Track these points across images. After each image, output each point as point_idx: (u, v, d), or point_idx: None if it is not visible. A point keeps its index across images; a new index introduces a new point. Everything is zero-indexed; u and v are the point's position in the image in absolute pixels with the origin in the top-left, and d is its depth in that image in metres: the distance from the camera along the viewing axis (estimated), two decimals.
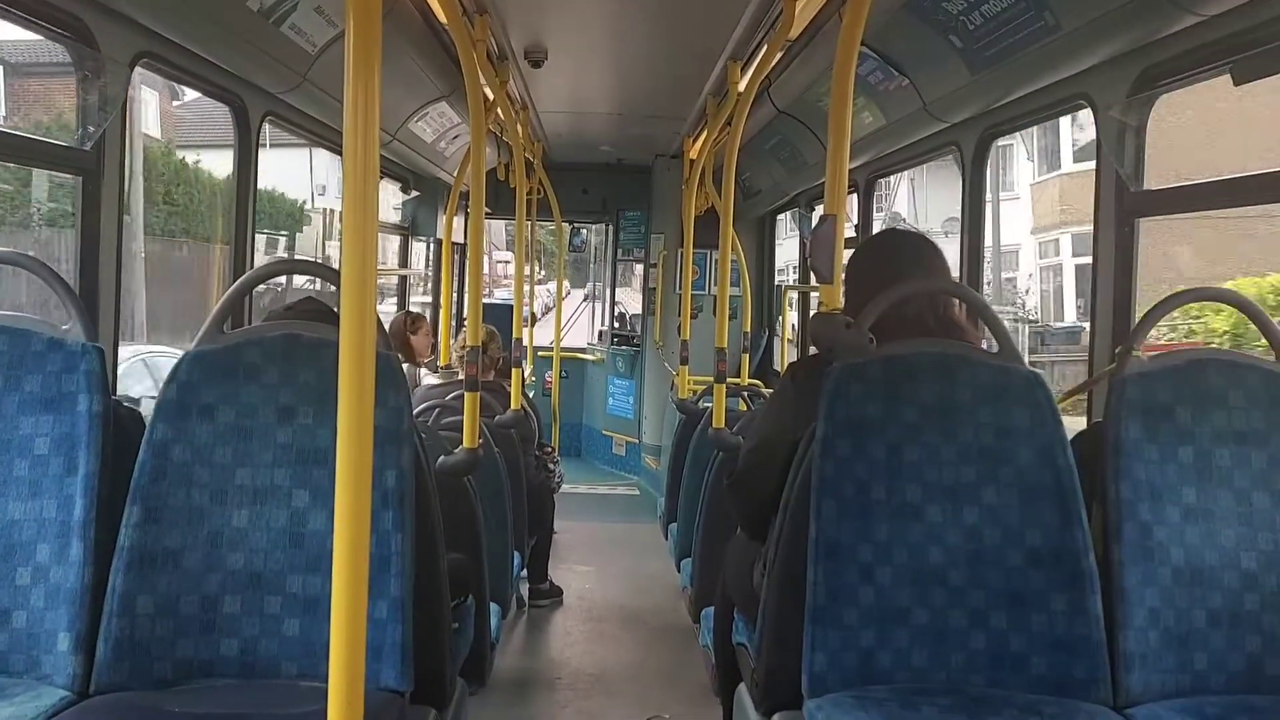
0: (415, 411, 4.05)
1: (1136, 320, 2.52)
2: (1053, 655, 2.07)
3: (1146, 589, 2.10)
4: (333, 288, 1.80)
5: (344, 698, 1.41)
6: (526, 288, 5.43)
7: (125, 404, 2.28)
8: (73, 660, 2.01)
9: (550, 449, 6.02)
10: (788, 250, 9.93)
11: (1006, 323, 2.41)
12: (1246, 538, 2.15)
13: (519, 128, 5.76)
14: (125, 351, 6.67)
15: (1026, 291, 24.08)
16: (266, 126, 3.76)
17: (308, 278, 10.31)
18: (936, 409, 2.15)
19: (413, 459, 2.14)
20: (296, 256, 19.46)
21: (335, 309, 2.64)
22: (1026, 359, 2.34)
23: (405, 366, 5.43)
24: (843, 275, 2.51)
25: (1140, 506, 2.14)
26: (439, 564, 2.31)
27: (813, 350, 2.56)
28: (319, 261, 3.36)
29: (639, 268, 9.48)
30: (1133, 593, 2.10)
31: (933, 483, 2.12)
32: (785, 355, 7.92)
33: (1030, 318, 22.18)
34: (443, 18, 4.10)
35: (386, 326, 2.81)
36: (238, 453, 2.11)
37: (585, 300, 12.18)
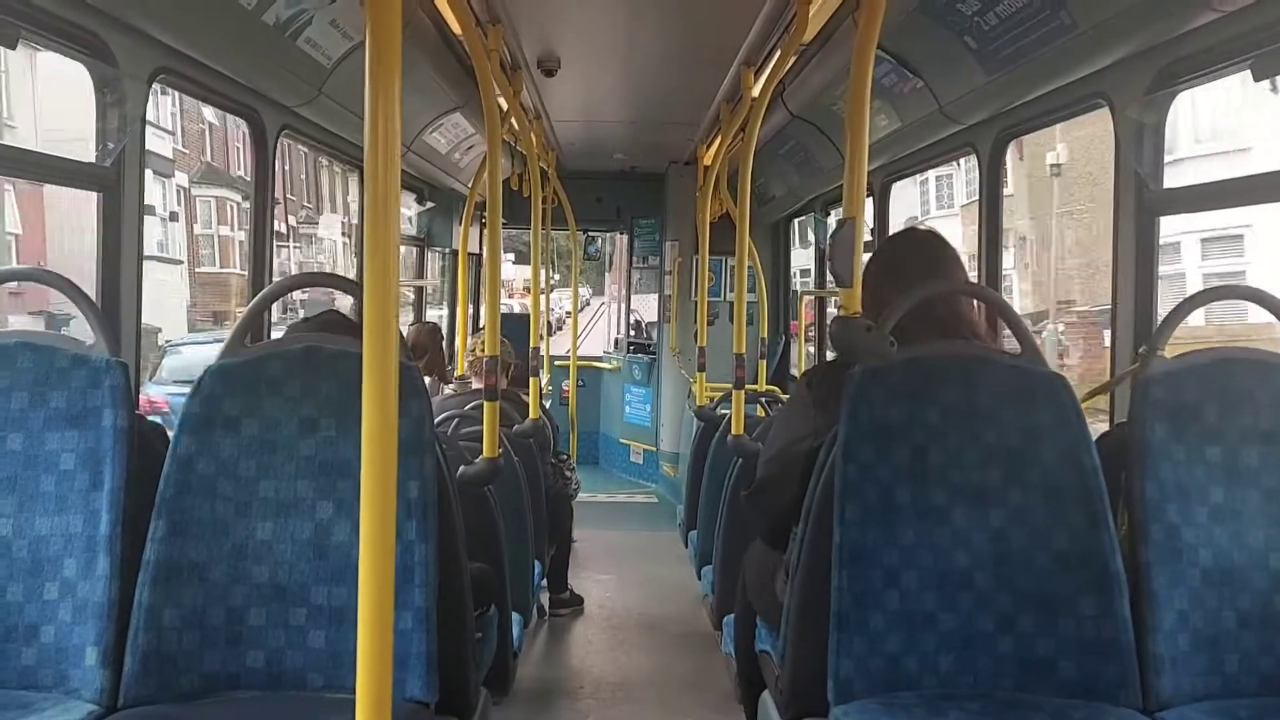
0: (435, 422, 4.07)
1: (1159, 319, 2.51)
2: (1081, 659, 2.05)
3: (1175, 591, 2.08)
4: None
5: (371, 709, 1.41)
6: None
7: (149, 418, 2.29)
8: (100, 674, 2.02)
9: (566, 457, 6.02)
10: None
11: None
12: (1275, 538, 2.12)
13: (533, 137, 5.78)
14: None
15: None
16: None
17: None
18: (959, 411, 2.13)
19: (435, 469, 2.14)
20: None
21: (355, 320, 2.66)
22: None
23: (429, 380, 5.40)
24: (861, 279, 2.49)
25: (1167, 507, 2.11)
26: (462, 574, 2.32)
27: (829, 355, 2.54)
28: (340, 275, 3.42)
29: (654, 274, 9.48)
30: (1161, 595, 2.08)
31: (957, 486, 2.10)
32: (803, 360, 7.90)
33: None
34: (457, 29, 4.12)
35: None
36: (261, 465, 2.11)
37: (602, 305, 12.21)
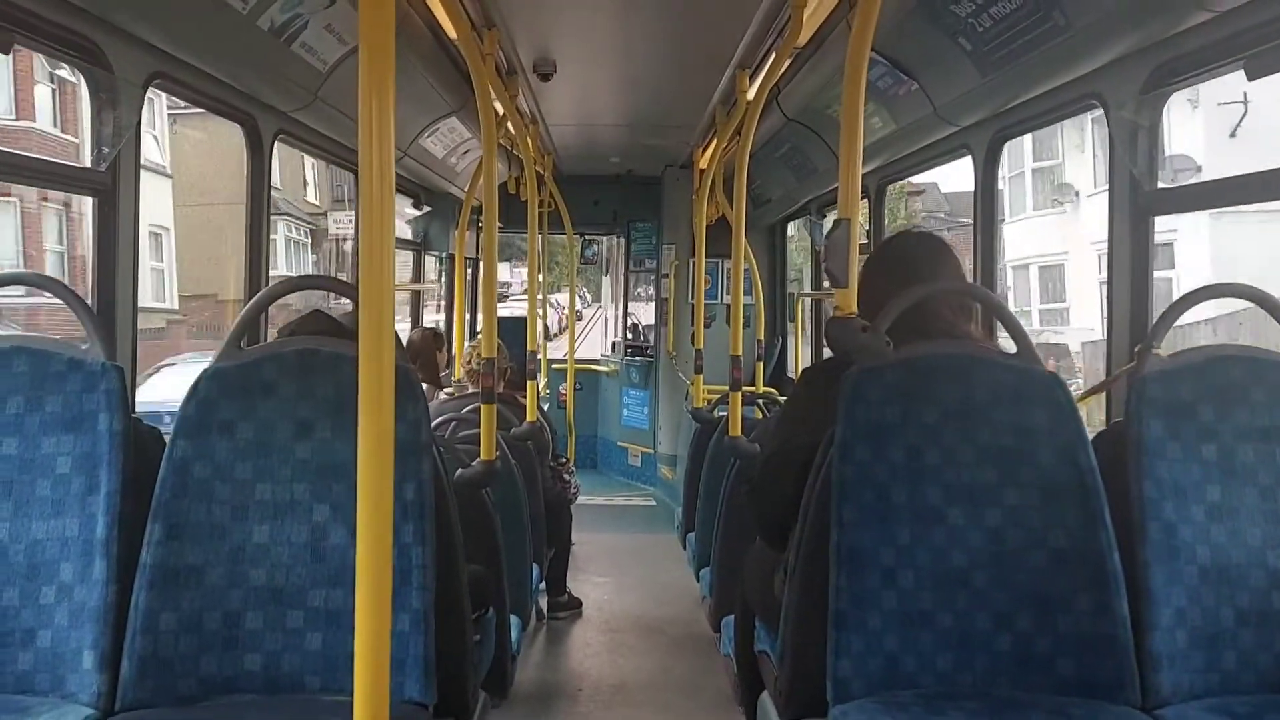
0: (432, 425, 4.07)
1: (1154, 318, 2.51)
2: (1079, 657, 2.06)
3: (1172, 588, 2.08)
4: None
5: (369, 711, 1.41)
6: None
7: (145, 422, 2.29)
8: (97, 678, 2.02)
9: (565, 461, 6.02)
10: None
11: None
12: (1272, 535, 2.13)
13: (529, 141, 5.78)
14: None
15: None
16: None
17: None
18: (956, 411, 2.14)
19: (432, 471, 2.15)
20: None
21: (342, 321, 2.67)
22: None
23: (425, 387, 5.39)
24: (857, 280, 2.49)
25: (1164, 505, 2.12)
26: (460, 576, 2.32)
27: (826, 355, 2.54)
28: (336, 277, 3.43)
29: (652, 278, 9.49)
30: (1158, 593, 2.08)
31: (954, 485, 2.10)
32: (799, 361, 7.91)
33: None
34: (452, 33, 4.13)
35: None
36: (257, 468, 2.12)
37: (599, 310, 12.20)
